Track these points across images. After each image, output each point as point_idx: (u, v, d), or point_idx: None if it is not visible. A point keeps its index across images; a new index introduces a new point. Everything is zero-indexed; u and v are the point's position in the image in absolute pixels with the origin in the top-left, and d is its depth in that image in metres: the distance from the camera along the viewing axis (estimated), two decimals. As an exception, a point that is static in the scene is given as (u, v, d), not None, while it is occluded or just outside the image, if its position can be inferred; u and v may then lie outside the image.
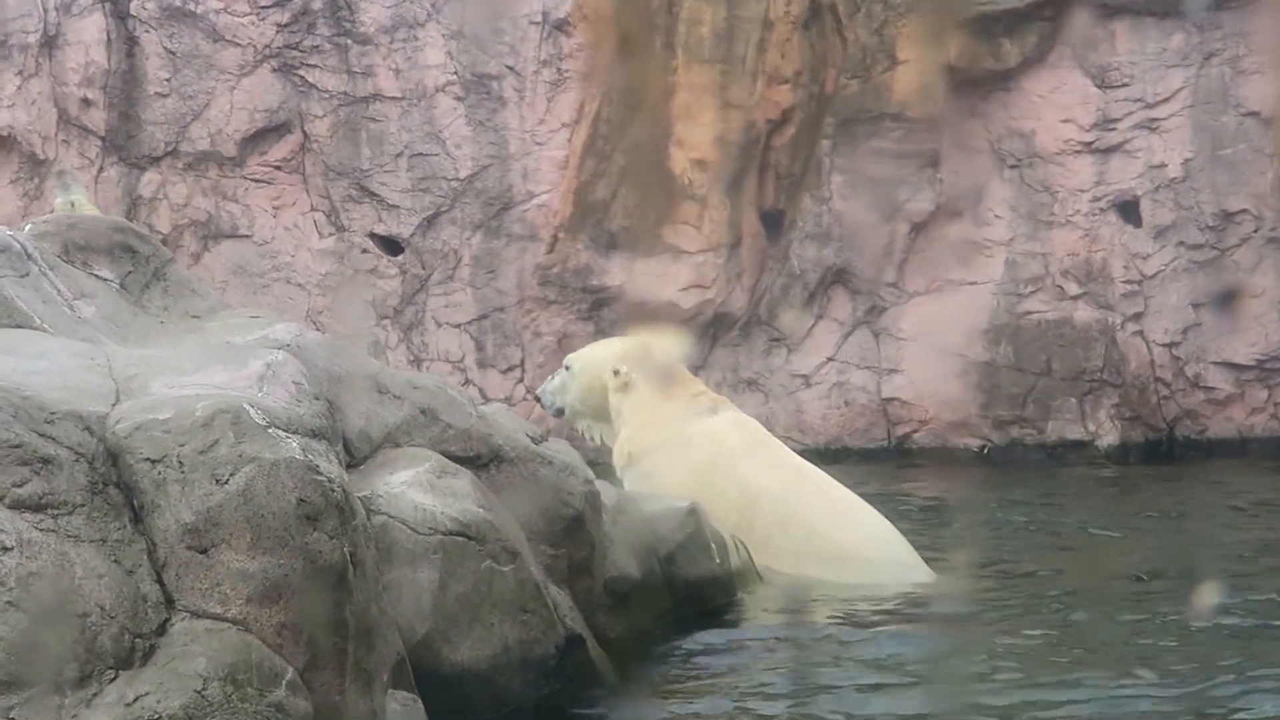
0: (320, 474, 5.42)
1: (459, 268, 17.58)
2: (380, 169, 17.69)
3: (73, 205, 14.57)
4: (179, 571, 5.30)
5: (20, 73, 18.15)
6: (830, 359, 16.96)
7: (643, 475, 9.64)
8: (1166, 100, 16.42)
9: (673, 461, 9.61)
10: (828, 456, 10.02)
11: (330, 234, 17.86)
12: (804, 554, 9.29)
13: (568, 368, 10.43)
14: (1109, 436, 16.46)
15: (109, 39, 17.94)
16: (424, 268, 17.66)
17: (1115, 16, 16.49)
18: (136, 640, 5.17)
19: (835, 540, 9.32)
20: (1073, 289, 16.59)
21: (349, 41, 17.68)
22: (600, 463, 10.34)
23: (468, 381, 17.13)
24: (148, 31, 17.96)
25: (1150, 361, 16.49)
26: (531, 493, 6.86)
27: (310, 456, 5.45)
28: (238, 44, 17.83)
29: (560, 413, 10.50)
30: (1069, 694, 6.85)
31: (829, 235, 16.84)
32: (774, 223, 17.09)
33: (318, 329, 11.84)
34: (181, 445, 5.38)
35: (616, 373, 9.98)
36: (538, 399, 10.69)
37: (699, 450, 9.61)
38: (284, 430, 5.51)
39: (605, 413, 10.13)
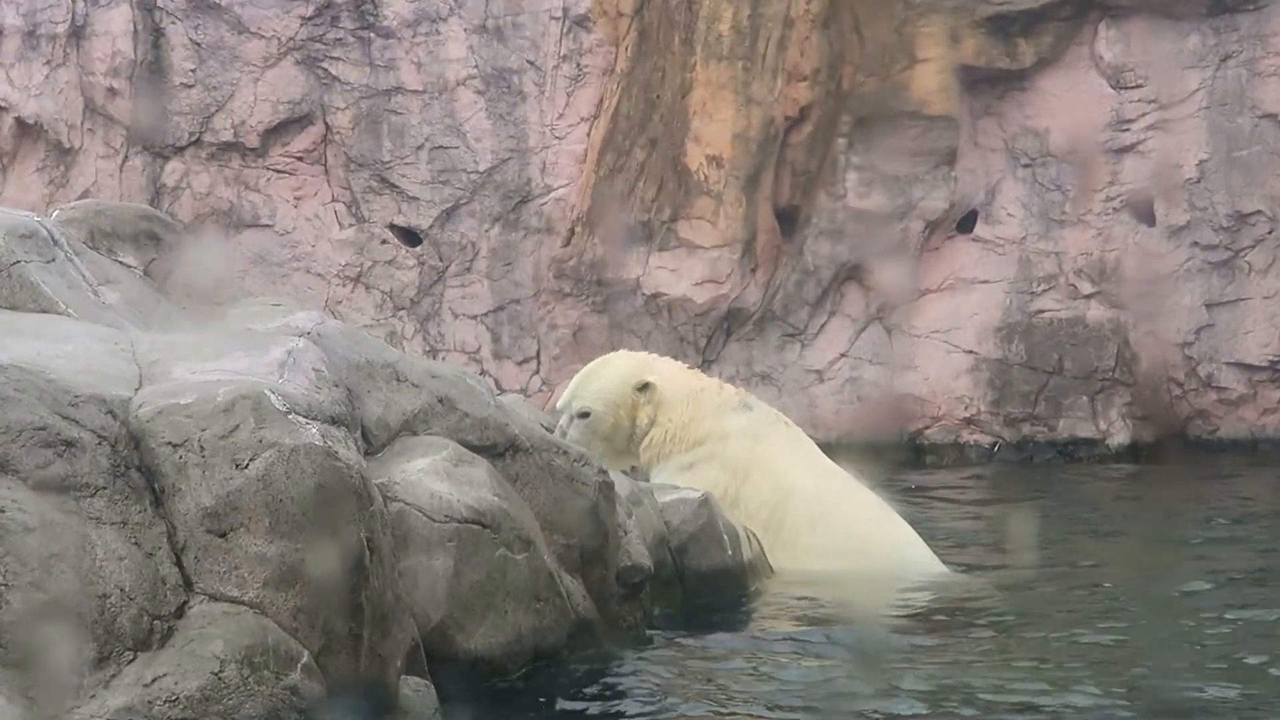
0: (339, 460, 5.45)
1: (476, 260, 17.65)
2: (401, 161, 17.76)
3: None
4: (198, 555, 5.34)
5: (48, 62, 18.24)
6: (843, 354, 16.99)
7: (678, 469, 9.61)
8: (1182, 101, 16.44)
9: (711, 456, 9.61)
10: (839, 451, 10.03)
11: (350, 225, 17.93)
12: (830, 552, 9.34)
13: (585, 414, 9.75)
14: (1120, 435, 16.48)
15: (135, 30, 18.02)
16: (442, 259, 17.73)
17: (1131, 17, 16.51)
18: (155, 622, 5.21)
19: (861, 540, 9.38)
20: (1086, 288, 16.62)
21: (372, 35, 17.75)
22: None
23: (483, 372, 17.17)
24: (174, 23, 18.04)
25: (1163, 361, 16.50)
26: (546, 482, 6.87)
27: (329, 443, 5.48)
28: (262, 36, 17.91)
29: None
30: (1078, 691, 6.87)
31: (844, 232, 16.88)
32: (789, 219, 17.14)
33: (337, 319, 11.90)
34: (203, 430, 5.42)
35: (646, 386, 9.71)
36: None
37: (737, 446, 9.61)
38: (304, 416, 5.54)
39: (632, 436, 9.76)
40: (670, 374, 9.85)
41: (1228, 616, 8.44)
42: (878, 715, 6.62)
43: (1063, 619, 8.48)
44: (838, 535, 9.38)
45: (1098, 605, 8.84)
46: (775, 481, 9.50)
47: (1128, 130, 16.55)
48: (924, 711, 6.64)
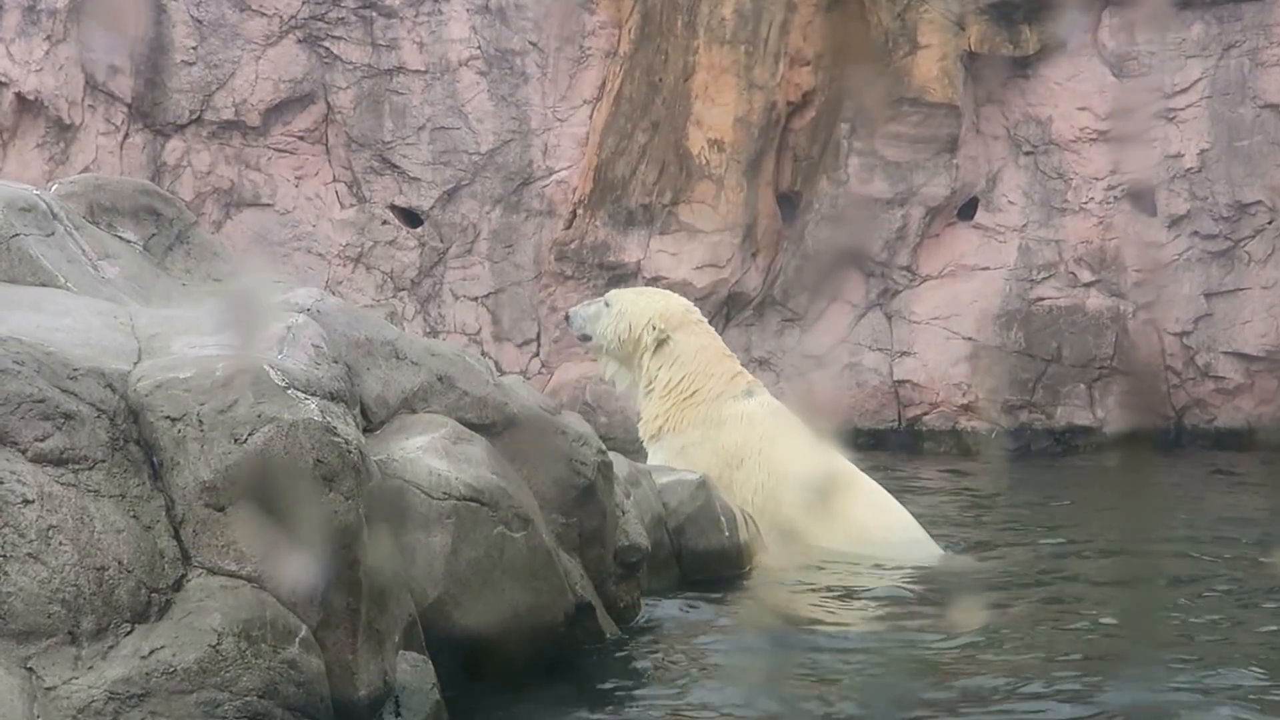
0: (337, 436, 5.44)
1: (477, 241, 17.66)
2: (402, 141, 17.75)
3: None
4: (196, 528, 5.34)
5: (49, 38, 18.21)
6: (843, 340, 17.01)
7: (672, 450, 9.66)
8: (1184, 91, 16.45)
9: (705, 440, 9.65)
10: (838, 437, 10.06)
11: (351, 205, 17.93)
12: (825, 535, 9.38)
13: (608, 304, 10.13)
14: (1117, 424, 16.51)
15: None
16: (442, 240, 17.74)
17: (1134, 6, 16.51)
18: (153, 595, 5.21)
19: (858, 525, 9.42)
20: (1085, 276, 16.64)
21: (374, 14, 17.74)
22: (612, 437, 10.41)
23: (483, 354, 17.18)
24: (175, 0, 18.03)
25: (1161, 350, 16.54)
26: (545, 461, 6.88)
27: (328, 418, 5.47)
28: (264, 14, 17.89)
29: (586, 339, 10.20)
30: (1068, 674, 6.89)
31: (844, 217, 16.89)
32: (790, 204, 17.15)
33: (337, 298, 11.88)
34: (201, 404, 5.41)
35: (665, 341, 9.83)
36: (567, 318, 10.47)
37: (732, 432, 9.66)
38: (303, 391, 5.53)
39: (629, 360, 9.96)
40: (697, 346, 9.89)
41: (1218, 593, 8.48)
42: (872, 693, 6.64)
43: (1058, 602, 8.52)
44: (834, 519, 9.42)
45: (1091, 586, 8.87)
46: (770, 467, 9.55)
47: (1130, 119, 16.54)
48: (917, 687, 6.66)
